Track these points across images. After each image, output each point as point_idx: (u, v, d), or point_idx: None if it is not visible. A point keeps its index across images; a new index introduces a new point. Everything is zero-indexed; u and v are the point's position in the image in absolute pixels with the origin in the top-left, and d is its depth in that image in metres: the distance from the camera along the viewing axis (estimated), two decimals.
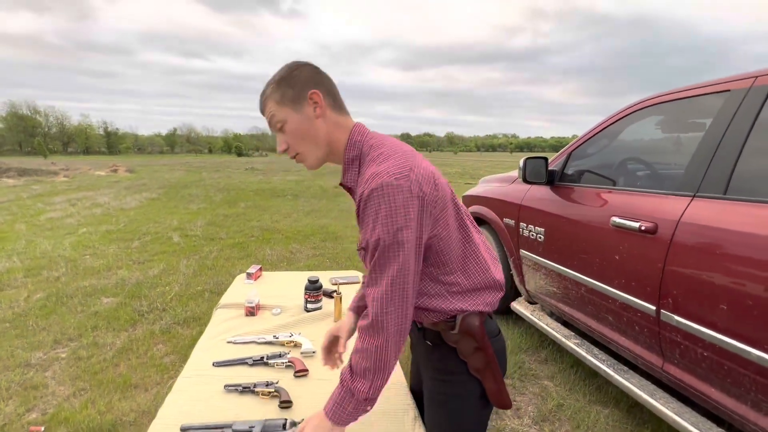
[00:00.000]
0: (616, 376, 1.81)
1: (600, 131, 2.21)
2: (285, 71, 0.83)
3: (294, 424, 0.94)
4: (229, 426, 0.94)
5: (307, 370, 1.21)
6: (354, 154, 0.83)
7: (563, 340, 2.18)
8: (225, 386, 1.11)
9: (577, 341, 2.15)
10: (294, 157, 0.86)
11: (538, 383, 2.26)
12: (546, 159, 2.33)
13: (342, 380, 0.79)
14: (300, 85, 0.81)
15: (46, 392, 2.14)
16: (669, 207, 1.61)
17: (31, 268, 4.18)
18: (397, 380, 1.20)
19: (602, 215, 1.91)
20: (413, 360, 1.14)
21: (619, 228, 1.77)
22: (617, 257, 1.80)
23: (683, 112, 1.88)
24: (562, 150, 2.44)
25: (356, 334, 0.84)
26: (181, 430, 0.94)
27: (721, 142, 1.51)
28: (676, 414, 1.54)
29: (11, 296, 3.41)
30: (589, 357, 1.98)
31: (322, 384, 1.17)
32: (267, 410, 1.05)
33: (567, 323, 2.35)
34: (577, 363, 2.40)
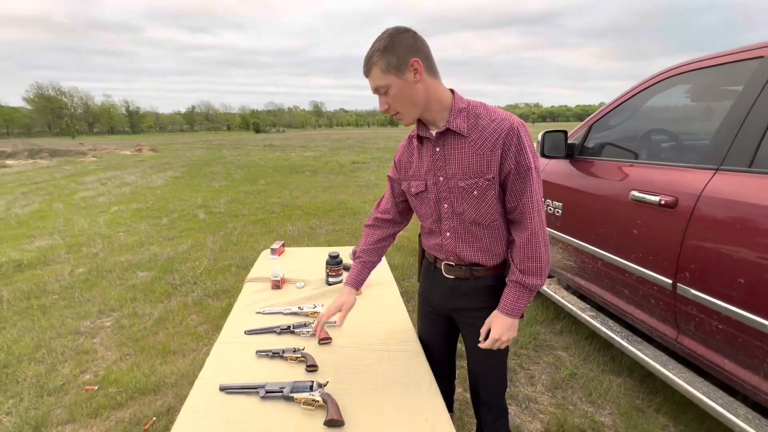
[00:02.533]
0: (630, 347, 1.85)
1: (624, 102, 2.14)
2: (387, 40, 0.92)
3: (320, 385, 1.04)
4: (262, 386, 1.05)
5: (330, 339, 1.30)
6: (462, 105, 0.99)
7: (579, 312, 2.22)
8: (256, 352, 1.22)
9: (592, 314, 2.18)
10: (394, 115, 0.99)
11: (553, 353, 2.32)
12: (565, 132, 2.29)
13: (515, 283, 1.01)
14: (402, 52, 0.91)
15: (96, 356, 2.36)
16: (691, 181, 1.58)
17: (71, 244, 4.47)
18: (412, 348, 1.28)
19: (622, 189, 1.89)
20: (432, 314, 1.23)
21: (639, 202, 1.76)
22: (635, 231, 1.80)
23: (714, 79, 1.81)
24: (582, 122, 2.39)
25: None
26: (220, 389, 1.06)
27: (750, 113, 1.45)
28: (688, 383, 1.58)
29: (57, 271, 3.68)
30: (603, 329, 2.02)
31: (343, 351, 1.26)
32: (295, 373, 1.15)
33: (583, 296, 2.38)
34: (592, 335, 2.45)
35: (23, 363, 2.28)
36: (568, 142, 2.29)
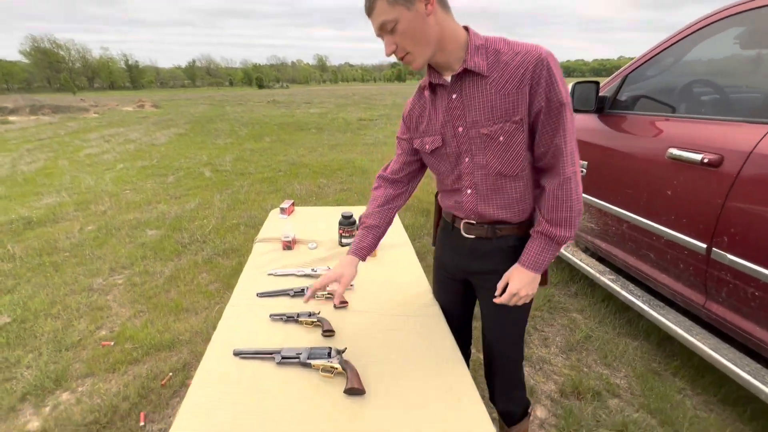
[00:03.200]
0: (652, 312, 1.79)
1: (665, 49, 1.93)
2: None
3: (338, 352, 0.99)
4: (277, 352, 1.00)
5: (346, 303, 1.25)
6: (480, 42, 0.88)
7: (597, 275, 2.15)
8: (270, 315, 1.17)
9: (612, 277, 2.12)
10: (402, 58, 0.87)
11: (567, 315, 2.29)
12: (597, 84, 2.09)
13: (540, 234, 0.94)
14: None
15: (110, 313, 2.38)
16: (740, 137, 1.43)
17: (79, 202, 4.44)
18: (432, 312, 1.23)
19: (657, 146, 1.74)
20: (449, 278, 1.17)
21: (677, 160, 1.62)
22: (669, 192, 1.68)
23: None
24: (616, 73, 2.18)
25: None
26: (234, 353, 1.02)
27: None
28: (714, 350, 1.53)
29: (66, 228, 3.67)
30: (623, 292, 1.96)
31: (360, 315, 1.21)
32: (311, 338, 1.10)
33: (602, 259, 2.31)
34: (608, 297, 2.40)
35: (40, 319, 2.31)
36: (599, 95, 2.11)
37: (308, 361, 0.97)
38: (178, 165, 6.32)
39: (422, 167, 1.14)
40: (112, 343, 2.09)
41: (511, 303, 0.98)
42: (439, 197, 1.14)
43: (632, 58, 2.14)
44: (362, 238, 1.10)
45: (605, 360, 1.93)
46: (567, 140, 0.88)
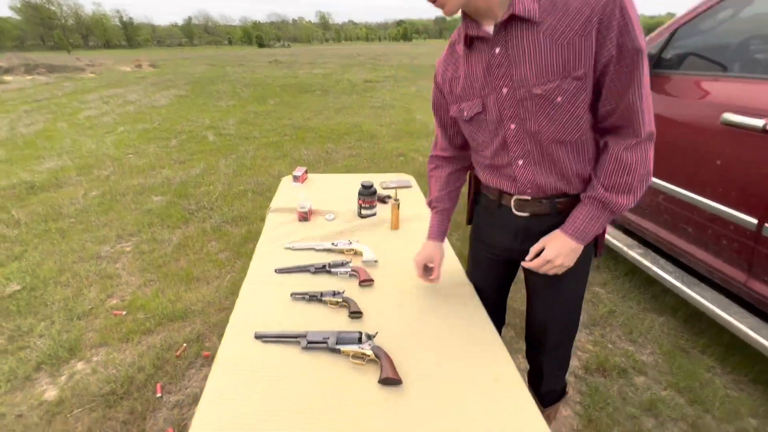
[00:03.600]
0: (685, 288, 1.71)
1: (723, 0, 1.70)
2: None
3: (369, 337, 0.91)
4: (303, 335, 0.93)
5: (372, 280, 1.16)
6: None
7: (624, 248, 2.05)
8: (291, 294, 1.09)
9: (640, 251, 2.02)
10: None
11: (590, 290, 2.22)
12: None
13: (593, 199, 0.82)
14: None
15: (120, 281, 2.33)
16: None
17: (81, 166, 4.33)
18: (466, 292, 1.14)
19: (709, 111, 1.58)
20: (491, 260, 1.08)
21: (732, 126, 1.47)
22: (718, 162, 1.54)
23: None
24: (662, 27, 1.96)
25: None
26: (255, 336, 0.94)
27: None
28: (752, 329, 1.45)
29: (70, 194, 3.58)
30: (654, 267, 1.87)
31: (388, 294, 1.12)
32: (336, 320, 1.02)
33: (629, 231, 2.20)
34: (632, 271, 2.32)
35: (50, 287, 2.27)
36: None
37: (337, 346, 0.90)
38: (180, 128, 6.12)
39: None
40: (124, 313, 2.06)
41: (541, 270, 0.88)
42: (477, 171, 1.01)
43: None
44: (440, 222, 1.10)
45: (630, 336, 1.88)
46: (642, 95, 0.73)
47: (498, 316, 1.18)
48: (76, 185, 3.81)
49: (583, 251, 0.90)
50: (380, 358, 0.86)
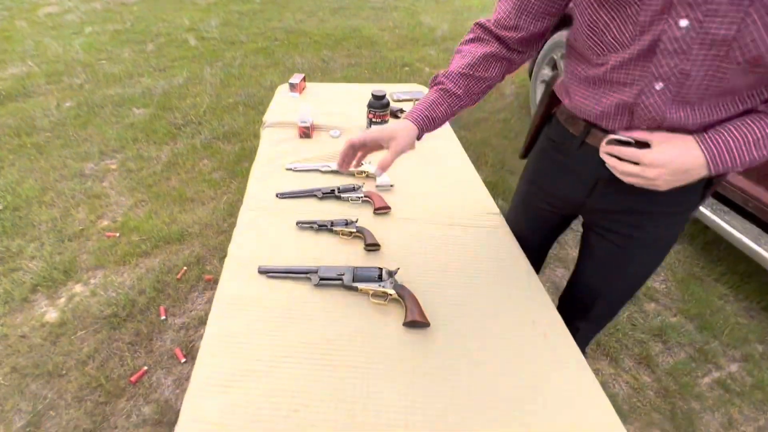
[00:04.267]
0: (713, 216, 1.60)
1: None
2: None
3: (390, 273, 0.79)
4: (314, 271, 0.81)
5: (388, 207, 1.02)
6: None
7: None
8: (297, 223, 0.95)
9: None
10: None
11: None
12: None
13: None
14: None
15: (109, 202, 2.19)
16: None
17: (50, 73, 3.88)
18: (496, 223, 1.01)
19: None
20: (548, 211, 0.90)
21: None
22: None
23: None
24: None
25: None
26: (259, 271, 0.83)
27: None
28: None
29: (42, 104, 3.24)
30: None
31: (407, 224, 0.99)
32: (351, 253, 0.90)
33: None
34: None
35: (34, 206, 2.13)
36: None
37: (354, 284, 0.79)
38: (157, 30, 5.43)
39: (551, 18, 0.68)
40: (117, 235, 1.95)
41: (626, 178, 0.62)
42: (564, 87, 0.75)
43: None
44: (433, 104, 0.71)
45: None
46: None
47: (535, 265, 1.00)
48: (46, 95, 3.44)
49: (683, 212, 0.72)
50: (404, 298, 0.75)
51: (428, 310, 0.75)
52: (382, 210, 1.01)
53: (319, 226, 0.94)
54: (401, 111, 1.48)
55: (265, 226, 0.96)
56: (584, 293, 0.93)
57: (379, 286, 0.78)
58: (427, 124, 0.72)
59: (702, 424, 1.30)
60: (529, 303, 0.79)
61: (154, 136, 2.79)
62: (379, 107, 1.30)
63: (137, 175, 2.40)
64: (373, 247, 0.90)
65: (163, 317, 1.57)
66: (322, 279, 0.80)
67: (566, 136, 0.75)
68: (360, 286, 0.78)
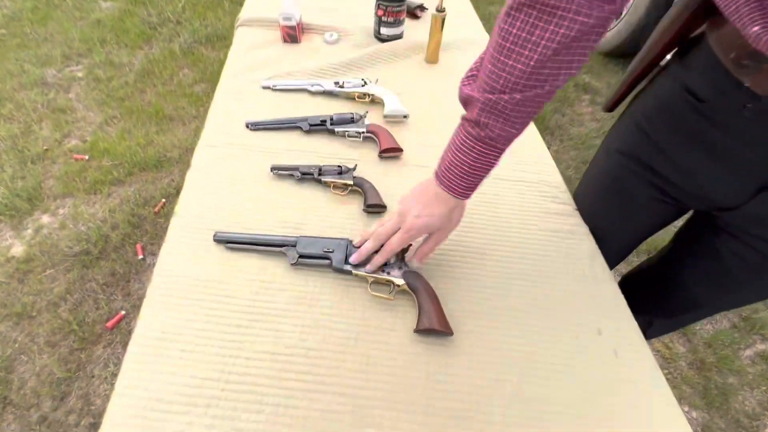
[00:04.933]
0: None
1: None
2: None
3: (402, 258, 0.55)
4: (291, 243, 0.57)
5: (400, 150, 0.73)
6: None
7: None
8: (273, 169, 0.69)
9: None
10: None
11: None
12: None
13: None
14: None
15: (76, 117, 1.90)
16: None
17: None
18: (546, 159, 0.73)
19: None
20: (658, 200, 0.62)
21: None
22: None
23: None
24: None
25: None
26: (215, 240, 0.59)
27: None
28: None
29: None
30: None
31: (422, 172, 0.72)
32: (345, 216, 0.65)
33: None
34: None
35: None
36: None
37: (346, 267, 0.55)
38: None
39: None
40: (86, 158, 1.70)
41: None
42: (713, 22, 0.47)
43: None
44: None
45: None
46: None
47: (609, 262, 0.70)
48: None
49: None
50: (417, 292, 0.52)
51: (451, 312, 0.53)
52: (391, 152, 0.73)
53: (303, 174, 0.67)
54: (421, 8, 1.09)
55: (227, 173, 0.69)
56: (678, 296, 0.69)
57: (385, 274, 0.54)
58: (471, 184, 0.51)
59: (737, 401, 1.17)
60: (598, 305, 0.56)
61: (125, 38, 2.36)
62: (393, 3, 0.92)
63: (107, 86, 2.06)
64: (376, 208, 0.64)
65: (140, 256, 1.40)
66: (301, 256, 0.56)
67: (729, 92, 0.45)
68: (355, 271, 0.55)
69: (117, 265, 1.38)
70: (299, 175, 0.68)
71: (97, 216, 1.51)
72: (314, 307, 0.54)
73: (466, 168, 0.47)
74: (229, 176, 0.69)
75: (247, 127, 0.77)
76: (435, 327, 0.50)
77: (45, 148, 1.75)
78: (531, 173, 0.73)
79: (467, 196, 0.51)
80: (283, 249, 0.57)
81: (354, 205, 0.66)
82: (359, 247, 0.55)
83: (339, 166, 0.68)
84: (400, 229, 0.51)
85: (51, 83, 2.07)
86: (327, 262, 0.56)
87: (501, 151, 0.47)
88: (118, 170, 1.65)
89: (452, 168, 0.49)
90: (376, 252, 0.54)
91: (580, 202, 0.71)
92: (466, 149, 0.47)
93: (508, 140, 0.46)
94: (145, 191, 1.59)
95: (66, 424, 1.09)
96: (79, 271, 1.36)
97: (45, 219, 1.51)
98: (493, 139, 0.45)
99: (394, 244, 0.52)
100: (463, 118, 0.48)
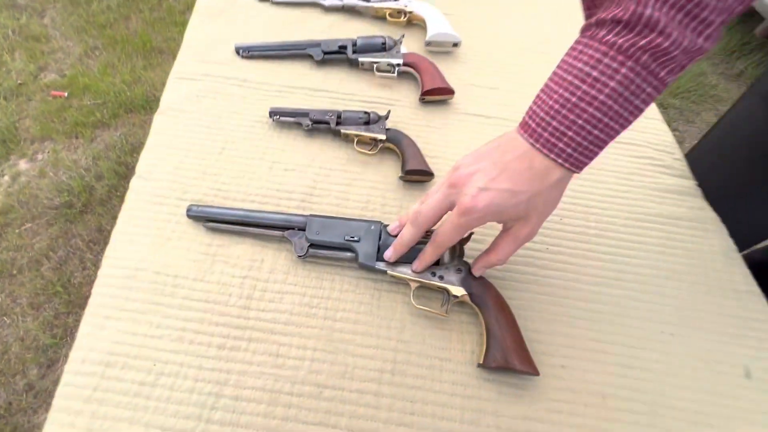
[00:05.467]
0: None
1: None
2: None
3: (460, 254, 0.37)
4: (301, 226, 0.39)
5: (450, 92, 0.52)
6: None
7: None
8: (272, 114, 0.49)
9: None
10: None
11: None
12: None
13: None
14: None
15: (53, 47, 1.66)
16: None
17: None
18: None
19: None
20: None
21: None
22: None
23: None
24: None
25: None
26: (188, 215, 0.41)
27: None
28: None
29: None
30: None
31: (487, 128, 0.51)
32: (374, 184, 0.47)
33: None
34: None
35: None
36: None
37: (379, 264, 0.37)
38: None
39: None
40: (65, 95, 1.49)
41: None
42: None
43: None
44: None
45: None
46: None
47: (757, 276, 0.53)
48: None
49: None
50: (484, 308, 0.35)
51: (532, 338, 0.36)
52: (437, 94, 0.52)
53: (314, 122, 0.48)
54: None
55: (209, 118, 0.50)
56: None
57: (436, 279, 0.36)
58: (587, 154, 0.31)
59: None
60: (740, 335, 0.38)
61: None
62: None
63: (86, 10, 1.78)
64: (417, 175, 0.45)
65: None
66: (313, 245, 0.38)
67: None
68: (392, 271, 0.37)
69: (104, 220, 1.23)
70: (309, 123, 0.48)
71: (79, 163, 1.34)
72: (330, 320, 0.37)
73: (595, 112, 0.28)
74: (212, 123, 0.49)
75: (237, 53, 0.55)
76: (514, 365, 0.33)
77: (19, 82, 1.54)
78: (633, 131, 0.52)
79: (580, 167, 0.31)
80: (286, 234, 0.39)
81: (388, 169, 0.47)
82: (396, 235, 0.37)
83: (366, 113, 0.48)
84: (454, 209, 0.32)
85: (22, 5, 1.80)
86: (350, 255, 0.38)
87: (665, 81, 0.27)
88: (102, 111, 1.45)
89: (565, 112, 0.29)
90: (422, 243, 0.36)
91: (698, 174, 0.51)
92: (602, 76, 0.27)
93: (691, 54, 0.26)
94: (133, 136, 1.40)
95: (54, 394, 1.00)
96: (62, 226, 1.22)
97: (22, 165, 1.34)
98: (667, 52, 0.25)
99: (447, 234, 0.33)
100: (600, 21, 0.27)
